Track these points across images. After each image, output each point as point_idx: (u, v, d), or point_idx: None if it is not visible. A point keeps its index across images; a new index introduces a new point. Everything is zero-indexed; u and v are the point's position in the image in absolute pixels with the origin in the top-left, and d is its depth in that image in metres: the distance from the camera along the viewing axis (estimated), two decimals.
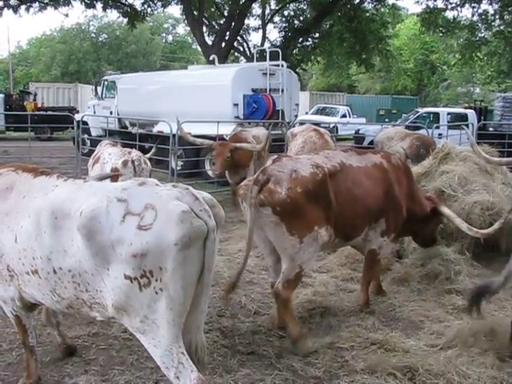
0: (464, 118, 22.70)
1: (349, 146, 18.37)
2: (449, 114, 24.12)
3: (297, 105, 17.59)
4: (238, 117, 15.11)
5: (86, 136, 18.14)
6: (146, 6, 25.49)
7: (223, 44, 24.35)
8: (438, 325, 5.70)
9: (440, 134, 17.31)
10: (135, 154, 8.85)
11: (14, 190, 3.91)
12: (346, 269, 7.24)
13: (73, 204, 3.50)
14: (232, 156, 10.82)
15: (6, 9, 24.39)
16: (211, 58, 18.39)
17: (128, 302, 3.33)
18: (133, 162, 8.37)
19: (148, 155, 9.68)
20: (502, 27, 25.48)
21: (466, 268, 7.02)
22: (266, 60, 16.52)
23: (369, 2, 27.20)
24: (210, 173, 15.14)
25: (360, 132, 22.98)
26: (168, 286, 3.27)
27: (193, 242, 3.27)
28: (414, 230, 6.48)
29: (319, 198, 5.18)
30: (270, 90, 15.93)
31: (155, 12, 30.33)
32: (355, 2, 26.23)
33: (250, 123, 14.95)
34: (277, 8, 28.80)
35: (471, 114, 23.51)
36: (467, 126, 19.26)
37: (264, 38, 28.47)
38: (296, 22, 28.79)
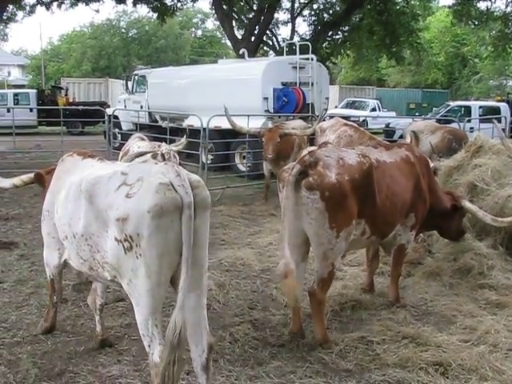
0: (496, 111, 22.38)
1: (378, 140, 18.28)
2: (481, 107, 23.78)
3: (327, 98, 17.50)
4: (268, 110, 15.13)
5: (116, 130, 18.29)
6: (175, 0, 25.60)
7: (253, 38, 24.33)
8: (470, 320, 5.63)
9: (472, 128, 17.08)
10: (164, 147, 8.94)
11: (67, 171, 4.44)
12: None
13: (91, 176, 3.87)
14: (280, 143, 10.84)
15: (38, 6, 24.74)
16: (241, 52, 18.39)
17: (118, 263, 3.68)
18: (162, 155, 8.46)
19: (175, 145, 9.76)
20: None
21: (499, 263, 6.92)
22: (295, 54, 16.51)
23: None
24: (239, 166, 15.20)
25: (390, 126, 22.78)
26: (145, 252, 3.53)
27: (165, 212, 3.50)
28: (437, 224, 6.36)
29: (363, 189, 5.08)
30: (299, 83, 15.90)
31: (184, 7, 30.40)
32: None
33: (280, 117, 14.94)
34: (306, 1, 28.65)
35: (504, 108, 23.16)
36: (499, 119, 18.99)
37: (293, 31, 28.33)
38: (325, 15, 28.59)
